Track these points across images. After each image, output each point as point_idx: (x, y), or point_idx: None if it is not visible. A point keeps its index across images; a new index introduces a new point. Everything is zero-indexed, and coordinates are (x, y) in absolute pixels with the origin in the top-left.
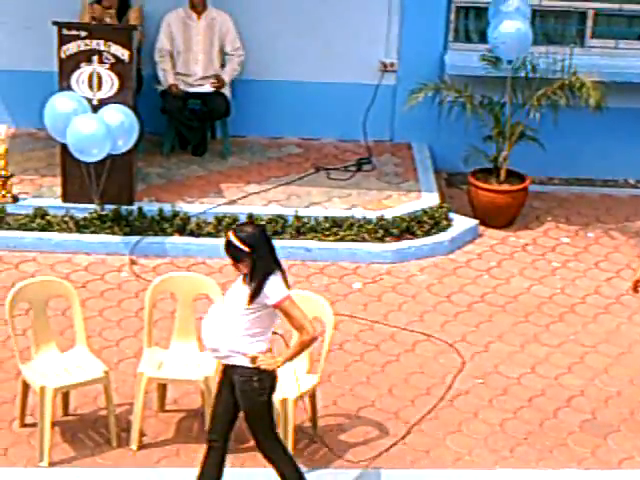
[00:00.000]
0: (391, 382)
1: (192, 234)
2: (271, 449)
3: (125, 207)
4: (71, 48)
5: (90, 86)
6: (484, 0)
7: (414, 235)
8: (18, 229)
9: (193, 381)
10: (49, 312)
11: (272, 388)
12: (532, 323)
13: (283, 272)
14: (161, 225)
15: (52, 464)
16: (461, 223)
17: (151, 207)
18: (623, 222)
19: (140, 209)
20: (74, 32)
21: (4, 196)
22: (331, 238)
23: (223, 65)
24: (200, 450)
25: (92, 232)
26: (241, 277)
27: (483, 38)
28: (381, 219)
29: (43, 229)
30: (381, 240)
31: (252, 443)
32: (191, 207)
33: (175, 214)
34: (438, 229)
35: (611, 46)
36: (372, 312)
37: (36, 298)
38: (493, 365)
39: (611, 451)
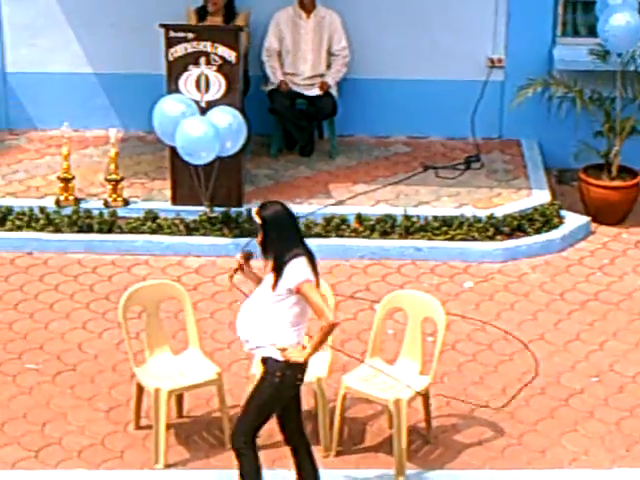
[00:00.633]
0: (504, 382)
1: None
2: (240, 443)
3: (234, 209)
4: (178, 50)
5: (198, 88)
6: None
7: (525, 233)
8: (129, 232)
9: (306, 383)
10: (161, 315)
11: (301, 380)
12: None
13: (311, 257)
14: None
15: (167, 466)
16: (573, 220)
17: None
18: None
19: (249, 211)
20: (181, 34)
21: (115, 200)
22: (441, 237)
23: (329, 65)
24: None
25: (202, 234)
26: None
27: (591, 32)
28: (491, 217)
29: (154, 232)
30: (491, 239)
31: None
32: (299, 208)
33: None
34: (549, 227)
35: None
36: (484, 311)
37: (149, 301)
38: (608, 364)
39: None
